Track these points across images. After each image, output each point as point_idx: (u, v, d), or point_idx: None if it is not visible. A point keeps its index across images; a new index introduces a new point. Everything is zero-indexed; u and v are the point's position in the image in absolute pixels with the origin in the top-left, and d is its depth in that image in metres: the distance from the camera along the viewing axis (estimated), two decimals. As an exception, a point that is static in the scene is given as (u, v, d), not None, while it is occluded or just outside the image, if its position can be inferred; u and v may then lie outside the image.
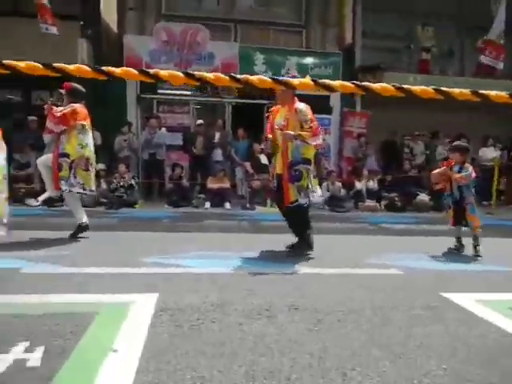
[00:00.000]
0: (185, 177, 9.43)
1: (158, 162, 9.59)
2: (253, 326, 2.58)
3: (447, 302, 3.13)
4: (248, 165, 9.45)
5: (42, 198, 7.95)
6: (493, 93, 2.44)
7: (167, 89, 9.96)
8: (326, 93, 8.35)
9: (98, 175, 6.72)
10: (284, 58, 10.58)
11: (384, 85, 2.59)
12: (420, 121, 10.60)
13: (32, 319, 2.58)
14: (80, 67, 2.02)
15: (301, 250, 4.49)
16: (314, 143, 4.35)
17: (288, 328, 2.56)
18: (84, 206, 5.37)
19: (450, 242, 5.03)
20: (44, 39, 8.24)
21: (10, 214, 4.26)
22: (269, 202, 8.68)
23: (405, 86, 2.55)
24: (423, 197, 9.52)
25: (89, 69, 2.01)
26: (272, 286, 3.40)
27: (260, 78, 2.10)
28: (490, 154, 10.50)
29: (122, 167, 8.68)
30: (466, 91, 2.46)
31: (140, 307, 2.83)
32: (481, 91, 2.46)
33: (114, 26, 10.74)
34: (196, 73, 2.02)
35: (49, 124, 4.80)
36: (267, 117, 4.73)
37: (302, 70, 9.20)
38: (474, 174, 4.79)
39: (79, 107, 4.87)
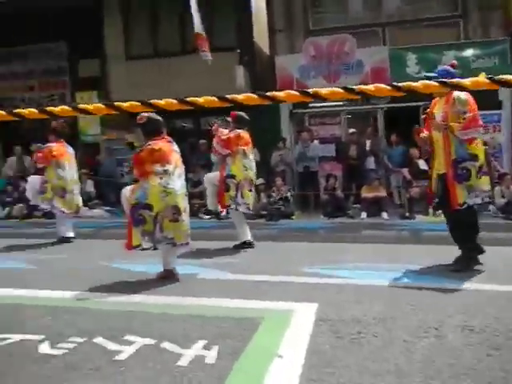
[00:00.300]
0: (339, 187, 9.42)
1: (312, 174, 9.80)
2: (419, 344, 2.42)
3: None
4: (405, 171, 8.97)
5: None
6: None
7: (318, 102, 10.15)
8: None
9: (257, 189, 7.20)
10: (439, 54, 9.79)
11: None
12: None
13: (207, 320, 2.89)
14: (248, 96, 2.19)
15: (468, 263, 3.99)
16: (465, 137, 3.81)
17: (464, 351, 2.32)
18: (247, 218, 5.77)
19: None
20: (207, 70, 9.24)
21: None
22: (431, 210, 8.06)
23: None
24: None
25: (256, 96, 2.17)
26: (438, 302, 3.15)
27: (424, 84, 1.95)
28: None
29: (278, 181, 9.13)
30: None
31: (301, 316, 2.93)
32: None
33: (266, 50, 11.44)
34: (356, 87, 2.02)
35: (216, 146, 5.33)
36: (424, 118, 4.36)
37: (463, 65, 8.37)
38: None
39: (243, 133, 5.34)
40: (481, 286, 3.49)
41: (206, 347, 2.45)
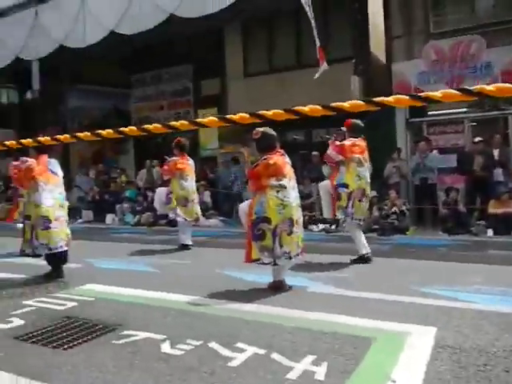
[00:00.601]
0: (461, 201, 8.66)
1: (431, 187, 9.16)
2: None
3: None
4: (543, 185, 7.91)
5: (322, 225, 8.84)
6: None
7: (438, 110, 9.50)
8: None
9: (370, 202, 6.96)
10: None
11: None
12: None
13: (316, 335, 2.88)
14: (354, 103, 2.17)
15: None
16: None
17: None
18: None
19: None
20: (322, 82, 9.25)
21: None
22: None
23: None
24: None
25: (362, 103, 2.14)
26: None
27: None
28: None
29: (392, 193, 8.72)
30: None
31: (417, 340, 2.75)
32: None
33: (381, 58, 11.09)
34: (473, 87, 1.86)
35: (330, 152, 5.26)
36: None
37: None
38: None
39: (358, 141, 5.23)
40: None
41: (315, 363, 2.44)
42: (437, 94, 1.95)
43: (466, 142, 9.74)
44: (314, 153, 9.95)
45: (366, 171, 5.26)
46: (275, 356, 2.54)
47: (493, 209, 7.93)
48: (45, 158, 4.86)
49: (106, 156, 14.66)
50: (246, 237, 3.99)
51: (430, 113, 9.82)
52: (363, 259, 5.17)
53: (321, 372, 2.32)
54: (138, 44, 10.81)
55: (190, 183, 6.70)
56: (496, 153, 8.65)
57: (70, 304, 3.75)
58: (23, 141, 3.35)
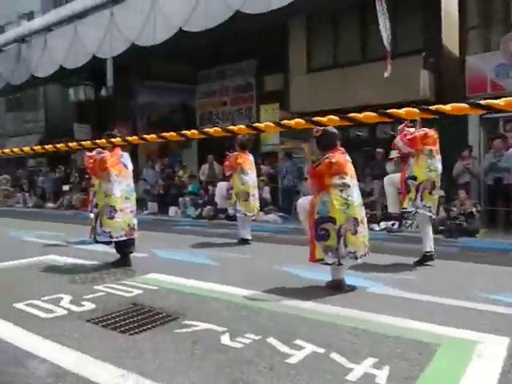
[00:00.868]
0: (540, 204, 8.01)
1: (506, 187, 8.54)
2: None
3: None
4: None
5: (383, 223, 8.56)
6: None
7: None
8: None
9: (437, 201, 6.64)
10: None
11: None
12: None
13: (377, 337, 2.80)
14: (409, 110, 2.09)
15: None
16: None
17: None
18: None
19: None
20: (389, 78, 8.91)
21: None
22: None
23: None
24: None
25: (417, 111, 2.07)
26: None
27: None
28: None
29: (462, 193, 8.24)
30: None
31: (487, 349, 2.59)
32: None
33: (454, 50, 10.49)
34: None
35: (398, 143, 5.07)
36: None
37: None
38: None
39: (430, 132, 5.00)
40: None
41: (377, 366, 2.38)
42: (499, 102, 1.82)
43: (547, 140, 8.98)
44: (379, 150, 9.64)
45: (438, 163, 5.02)
46: (334, 356, 2.50)
47: None
48: (118, 150, 5.13)
49: (171, 150, 15.19)
50: (308, 236, 3.93)
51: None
52: (426, 257, 4.95)
53: (382, 376, 2.26)
54: (204, 40, 11.05)
55: (251, 178, 6.76)
56: None
57: (136, 291, 3.94)
58: (98, 141, 3.62)
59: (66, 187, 15.21)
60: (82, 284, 4.28)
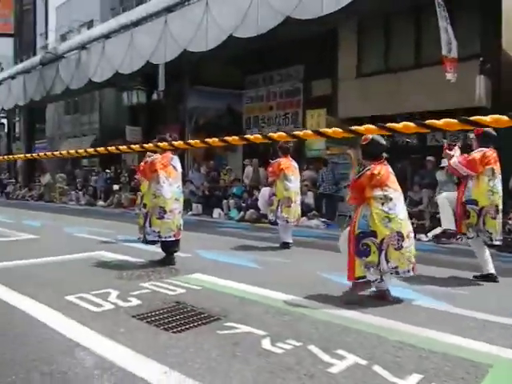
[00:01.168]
0: None
1: None
2: None
3: None
4: None
5: (432, 233, 8.25)
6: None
7: None
8: None
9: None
10: None
11: None
12: None
13: (422, 352, 2.69)
14: (448, 121, 2.00)
15: None
16: None
17: None
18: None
19: None
20: (443, 82, 8.58)
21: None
22: None
23: None
24: None
25: (455, 121, 1.97)
26: None
27: None
28: None
29: (519, 207, 7.81)
30: None
31: (544, 374, 2.42)
32: None
33: (515, 55, 9.98)
34: None
35: (456, 165, 4.72)
36: None
37: None
38: None
39: (488, 151, 4.65)
40: None
41: (422, 383, 2.28)
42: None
43: None
44: (429, 158, 9.31)
45: (499, 184, 4.69)
46: (377, 369, 2.43)
47: None
48: (169, 153, 5.28)
49: (217, 153, 15.43)
50: (347, 252, 3.79)
51: None
52: (490, 278, 4.66)
53: (428, 394, 2.17)
54: (253, 46, 11.16)
55: (294, 184, 6.74)
56: None
57: (180, 290, 4.02)
58: (145, 145, 3.78)
59: (116, 186, 15.82)
60: (129, 280, 4.42)
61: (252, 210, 10.70)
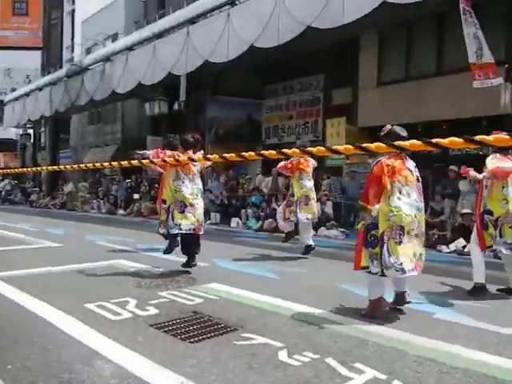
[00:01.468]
0: None
1: None
2: None
3: None
4: None
5: (453, 245, 8.07)
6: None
7: None
8: None
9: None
10: None
11: None
12: None
13: (443, 367, 2.62)
14: (453, 140, 1.96)
15: None
16: None
17: None
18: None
19: None
20: (466, 90, 8.47)
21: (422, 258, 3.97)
22: None
23: None
24: None
25: (461, 140, 1.93)
26: None
27: None
28: None
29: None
30: None
31: None
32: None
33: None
34: None
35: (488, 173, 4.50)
36: None
37: None
38: None
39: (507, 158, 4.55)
40: None
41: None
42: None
43: None
44: (452, 167, 9.12)
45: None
46: (397, 384, 2.38)
47: None
48: (190, 153, 5.37)
49: (236, 162, 15.50)
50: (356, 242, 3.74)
51: None
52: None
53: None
54: (273, 55, 11.23)
55: (309, 183, 6.77)
56: None
57: (197, 300, 4.02)
58: (167, 159, 3.88)
59: (136, 195, 16.04)
60: (147, 289, 4.45)
61: (270, 220, 10.68)
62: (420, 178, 3.82)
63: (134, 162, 5.43)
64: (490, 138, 1.92)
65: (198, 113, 15.84)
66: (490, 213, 4.45)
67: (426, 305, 4.00)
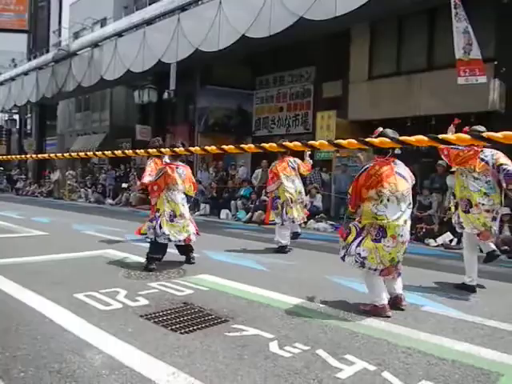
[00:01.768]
0: None
1: None
2: None
3: None
4: None
5: (440, 239, 8.18)
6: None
7: None
8: None
9: (501, 220, 6.23)
10: None
11: None
12: None
13: (431, 359, 2.66)
14: (459, 136, 1.97)
15: None
16: None
17: None
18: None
19: None
20: (456, 86, 8.53)
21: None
22: None
23: None
24: None
25: (468, 137, 1.93)
26: None
27: None
28: None
29: (529, 212, 7.71)
30: None
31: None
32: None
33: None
34: None
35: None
36: None
37: None
38: None
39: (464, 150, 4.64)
40: None
41: (431, 391, 2.26)
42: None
43: None
44: (440, 162, 9.21)
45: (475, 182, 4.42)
46: (386, 375, 2.41)
47: None
48: (178, 161, 5.33)
49: (225, 153, 15.44)
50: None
51: None
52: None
53: (437, 402, 2.15)
54: (264, 46, 11.16)
55: (294, 184, 6.60)
56: None
57: (187, 291, 4.02)
58: (162, 150, 3.83)
59: (124, 185, 15.89)
60: (137, 280, 4.44)
61: (260, 212, 10.68)
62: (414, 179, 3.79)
63: (118, 153, 5.31)
64: (451, 137, 1.94)
65: (187, 102, 15.71)
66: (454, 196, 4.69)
67: (414, 298, 4.05)
